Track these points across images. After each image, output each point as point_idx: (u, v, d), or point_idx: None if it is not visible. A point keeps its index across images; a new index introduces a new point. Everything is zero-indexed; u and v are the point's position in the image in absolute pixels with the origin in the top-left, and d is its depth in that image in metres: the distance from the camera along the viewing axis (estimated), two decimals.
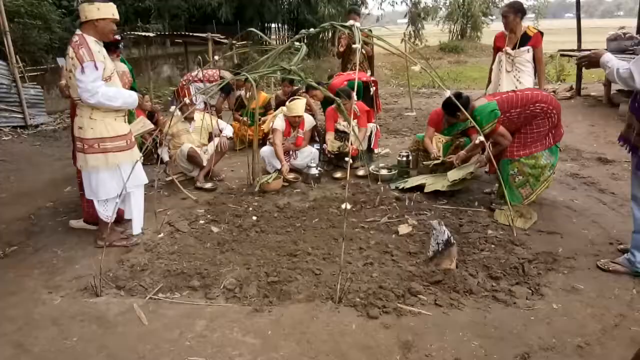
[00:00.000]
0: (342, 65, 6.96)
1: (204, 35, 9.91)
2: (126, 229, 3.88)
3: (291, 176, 5.10)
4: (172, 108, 4.70)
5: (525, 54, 4.70)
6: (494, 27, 28.63)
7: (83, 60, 3.08)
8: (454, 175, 4.30)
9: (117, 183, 3.44)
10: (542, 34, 4.72)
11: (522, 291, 2.81)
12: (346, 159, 3.38)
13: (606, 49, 8.36)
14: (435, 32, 26.75)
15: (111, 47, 3.94)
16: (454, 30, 27.83)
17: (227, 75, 6.27)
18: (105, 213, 3.53)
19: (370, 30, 4.28)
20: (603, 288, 2.81)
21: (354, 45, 3.34)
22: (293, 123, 5.31)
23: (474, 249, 3.36)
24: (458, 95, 3.87)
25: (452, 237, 3.08)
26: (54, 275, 3.24)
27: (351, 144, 3.98)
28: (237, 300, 2.89)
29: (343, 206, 2.81)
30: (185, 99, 3.61)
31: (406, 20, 25.57)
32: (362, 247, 3.50)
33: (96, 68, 3.12)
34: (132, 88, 4.21)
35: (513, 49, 4.88)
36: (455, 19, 27.20)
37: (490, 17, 28.65)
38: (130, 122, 4.27)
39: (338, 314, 2.69)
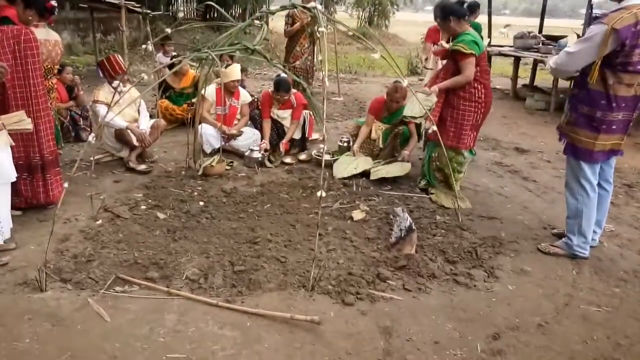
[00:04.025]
0: (288, 46, 6.85)
1: (116, 1, 9.05)
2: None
3: (234, 131, 5.15)
4: (115, 84, 4.27)
5: None
6: (398, 16, 29.87)
7: None
8: (391, 171, 4.47)
9: None
10: None
11: (479, 274, 3.01)
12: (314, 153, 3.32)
13: (512, 46, 9.14)
14: (343, 18, 27.16)
15: (45, 14, 3.47)
16: (362, 17, 28.47)
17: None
18: None
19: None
20: (547, 270, 3.11)
21: (320, 29, 3.27)
22: (231, 88, 5.19)
23: (427, 234, 3.52)
24: (461, 3, 4.05)
25: (413, 224, 3.21)
26: None
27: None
28: (203, 291, 2.75)
29: (318, 194, 2.78)
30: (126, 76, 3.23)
31: (316, 3, 25.65)
32: (321, 233, 3.49)
33: None
34: None
35: (447, 42, 5.17)
36: (364, 5, 27.79)
37: (395, 6, 29.67)
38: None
39: (313, 302, 2.68)
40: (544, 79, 10.10)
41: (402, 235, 3.18)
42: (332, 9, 24.83)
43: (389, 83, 10.27)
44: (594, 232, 3.27)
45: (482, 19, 9.13)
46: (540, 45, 8.63)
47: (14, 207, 3.46)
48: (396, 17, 29.32)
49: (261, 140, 5.19)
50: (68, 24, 12.36)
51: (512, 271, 3.08)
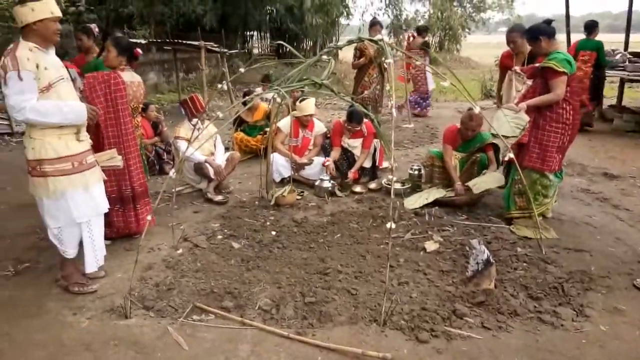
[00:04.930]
0: (357, 76, 6.97)
1: (196, 43, 9.69)
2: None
3: (304, 160, 5.27)
4: (194, 121, 4.56)
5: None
6: (470, 39, 29.33)
7: (6, 70, 2.66)
8: (489, 181, 4.33)
9: (65, 212, 2.93)
10: None
11: (567, 312, 2.78)
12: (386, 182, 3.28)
13: None
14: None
15: (131, 60, 3.81)
16: (433, 43, 28.24)
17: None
18: (61, 247, 3.01)
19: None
20: None
21: (387, 61, 3.29)
22: (305, 122, 5.36)
23: (507, 267, 3.34)
24: (549, 22, 3.90)
25: (491, 257, 3.05)
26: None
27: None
28: (275, 322, 2.78)
29: (388, 226, 2.73)
30: (217, 112, 3.41)
31: (384, 31, 25.80)
32: (392, 264, 3.43)
33: (20, 78, 2.64)
34: None
35: (523, 66, 4.96)
36: (434, 31, 27.61)
37: (467, 30, 29.21)
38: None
39: (385, 337, 2.61)
40: (632, 98, 9.40)
41: (479, 268, 3.03)
42: (401, 37, 24.88)
43: (461, 108, 10.06)
44: None
45: (561, 37, 8.74)
46: (627, 62, 8.06)
47: (105, 237, 3.74)
48: (468, 40, 28.85)
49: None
50: (154, 65, 13.41)
51: (604, 310, 2.82)
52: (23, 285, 3.19)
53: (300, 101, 5.27)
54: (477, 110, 3.59)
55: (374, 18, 6.88)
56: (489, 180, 4.35)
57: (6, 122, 7.66)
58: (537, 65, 4.01)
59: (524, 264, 3.36)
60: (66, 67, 3.10)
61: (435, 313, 2.77)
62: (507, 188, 4.14)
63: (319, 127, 5.56)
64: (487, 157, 4.59)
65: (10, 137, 7.44)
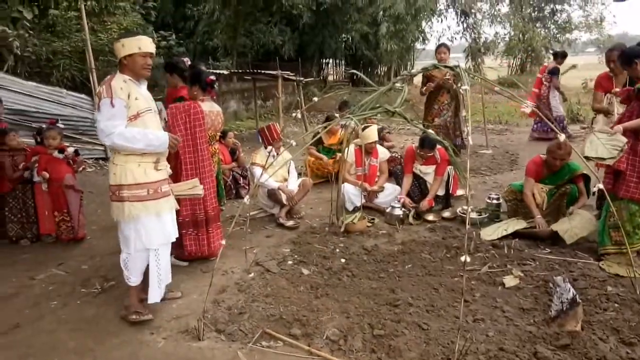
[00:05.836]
0: (427, 103, 6.82)
1: (274, 72, 10.13)
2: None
3: (375, 188, 5.27)
4: (269, 149, 4.72)
5: None
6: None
7: (100, 97, 2.87)
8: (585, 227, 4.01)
9: (137, 237, 3.04)
10: None
11: None
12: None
13: None
14: (493, 66, 26.19)
15: (207, 88, 4.01)
16: (514, 65, 27.16)
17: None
18: (126, 272, 3.12)
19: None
20: None
21: (462, 87, 3.20)
22: (369, 149, 5.35)
23: (595, 308, 3.05)
24: None
25: (577, 296, 2.81)
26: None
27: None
28: (343, 353, 2.73)
29: (462, 259, 2.61)
30: (291, 141, 3.44)
31: (461, 55, 25.14)
32: (467, 299, 3.26)
33: (112, 105, 2.84)
34: None
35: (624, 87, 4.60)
36: (515, 53, 26.59)
37: (551, 50, 27.80)
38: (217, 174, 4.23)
39: None
40: None
41: (564, 308, 2.80)
42: (479, 60, 24.24)
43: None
44: None
45: None
46: None
47: (181, 258, 3.92)
48: (552, 61, 27.46)
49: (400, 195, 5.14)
50: (235, 94, 14.10)
51: None
52: (107, 302, 3.40)
53: (363, 129, 5.26)
54: (561, 138, 3.36)
55: (444, 43, 6.63)
56: (583, 225, 4.01)
57: (101, 148, 8.36)
58: (631, 88, 3.72)
59: (615, 305, 3.06)
60: (158, 100, 3.33)
61: (514, 355, 2.58)
62: (601, 220, 3.82)
63: (383, 153, 5.56)
64: (578, 188, 4.26)
65: (105, 161, 8.09)
